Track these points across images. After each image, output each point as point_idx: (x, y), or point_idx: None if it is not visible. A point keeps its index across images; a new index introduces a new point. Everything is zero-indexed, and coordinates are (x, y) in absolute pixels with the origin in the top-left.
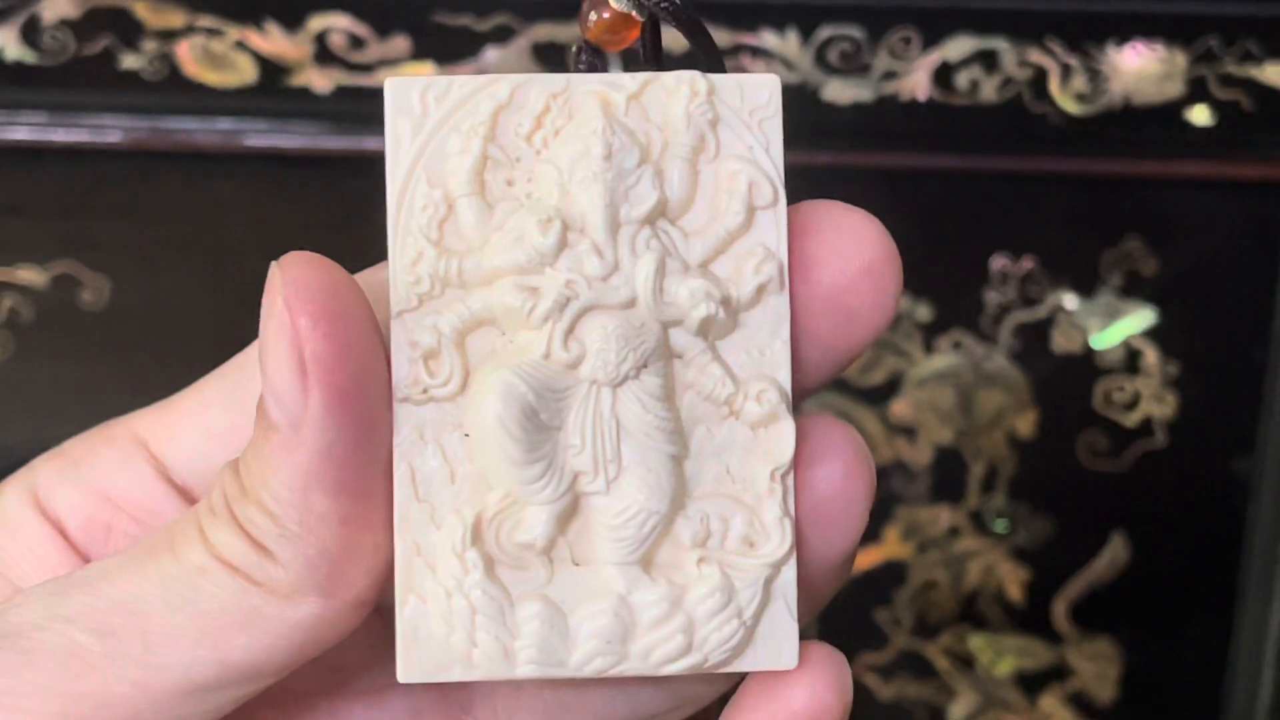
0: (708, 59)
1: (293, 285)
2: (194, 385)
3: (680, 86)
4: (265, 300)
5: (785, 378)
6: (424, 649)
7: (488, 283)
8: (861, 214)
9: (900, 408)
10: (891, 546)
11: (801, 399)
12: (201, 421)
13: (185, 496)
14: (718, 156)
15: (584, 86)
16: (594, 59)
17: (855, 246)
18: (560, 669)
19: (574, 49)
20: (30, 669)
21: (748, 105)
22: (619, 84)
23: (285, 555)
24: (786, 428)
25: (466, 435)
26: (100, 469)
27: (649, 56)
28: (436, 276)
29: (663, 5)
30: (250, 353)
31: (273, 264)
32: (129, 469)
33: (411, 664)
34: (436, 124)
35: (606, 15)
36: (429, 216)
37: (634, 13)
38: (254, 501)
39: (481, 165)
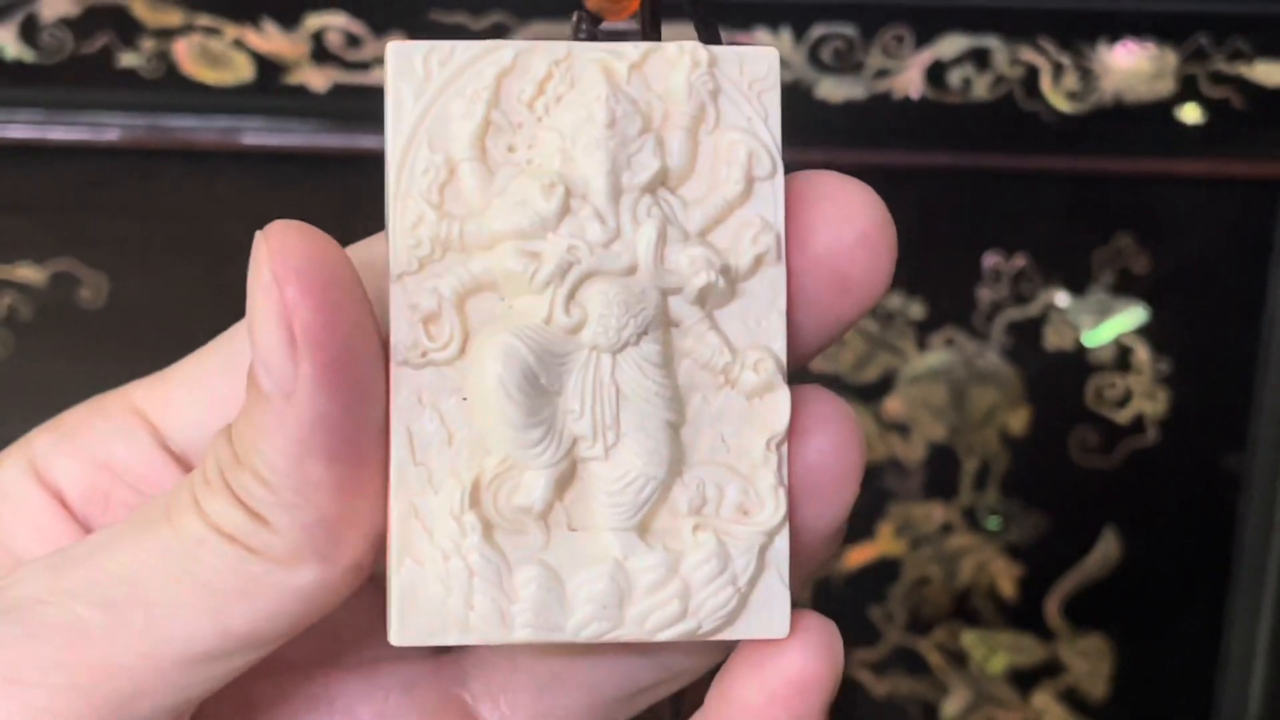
0: (707, 32)
1: (279, 254)
2: (192, 355)
3: (682, 57)
4: (251, 270)
5: (781, 348)
6: (420, 612)
7: (488, 247)
8: (856, 183)
9: (893, 405)
10: (885, 543)
11: (796, 367)
12: (200, 390)
13: (183, 465)
14: (718, 127)
15: (586, 54)
16: (594, 28)
17: (850, 215)
18: (557, 633)
19: (574, 17)
20: (33, 642)
21: (747, 77)
22: (621, 53)
23: (282, 523)
24: (782, 397)
25: (465, 399)
26: (97, 438)
27: (648, 28)
28: (437, 240)
29: None
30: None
31: (257, 233)
32: (127, 438)
33: (407, 627)
34: (439, 88)
35: None
36: (430, 180)
37: None
38: (248, 470)
39: (484, 130)
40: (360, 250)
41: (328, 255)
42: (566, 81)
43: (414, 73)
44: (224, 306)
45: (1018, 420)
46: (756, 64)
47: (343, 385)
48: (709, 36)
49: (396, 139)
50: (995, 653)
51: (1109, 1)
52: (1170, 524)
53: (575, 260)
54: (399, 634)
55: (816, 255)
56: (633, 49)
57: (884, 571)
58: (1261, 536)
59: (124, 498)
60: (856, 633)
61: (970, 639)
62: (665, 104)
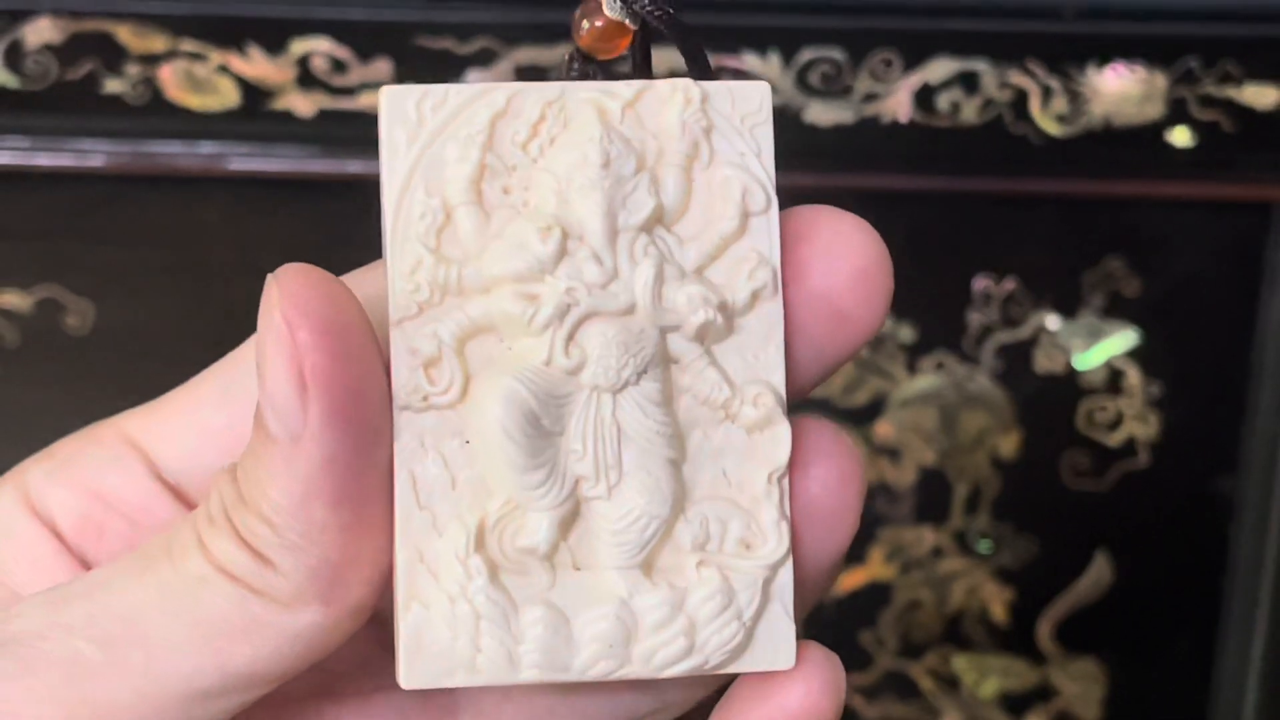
0: (698, 67)
1: (290, 298)
2: (185, 384)
3: (675, 94)
4: (262, 313)
5: (779, 381)
6: (427, 655)
7: (486, 290)
8: (853, 219)
9: (883, 429)
10: (875, 567)
11: (795, 400)
12: (194, 420)
13: (177, 496)
14: (711, 163)
15: (579, 94)
16: (585, 66)
17: (847, 250)
18: (564, 673)
19: (566, 56)
20: (31, 677)
21: (739, 112)
22: (614, 92)
23: (286, 565)
24: (782, 431)
25: (467, 442)
26: (90, 468)
27: (638, 66)
28: (435, 284)
29: (655, 13)
30: (243, 351)
31: (269, 276)
32: (120, 468)
33: (415, 670)
34: (433, 132)
35: (599, 23)
36: (427, 225)
37: (627, 21)
38: (253, 511)
39: (480, 174)
40: (354, 282)
41: (338, 299)
42: (560, 122)
43: (407, 117)
44: (210, 332)
45: (1008, 444)
46: (748, 98)
47: (351, 429)
48: (700, 72)
49: (392, 184)
50: (987, 677)
51: (1098, 24)
52: (1162, 547)
53: (574, 302)
54: (407, 677)
55: (813, 290)
56: (625, 88)
57: (875, 596)
58: (1253, 559)
59: (117, 528)
60: (847, 658)
61: (962, 663)
62: (659, 142)
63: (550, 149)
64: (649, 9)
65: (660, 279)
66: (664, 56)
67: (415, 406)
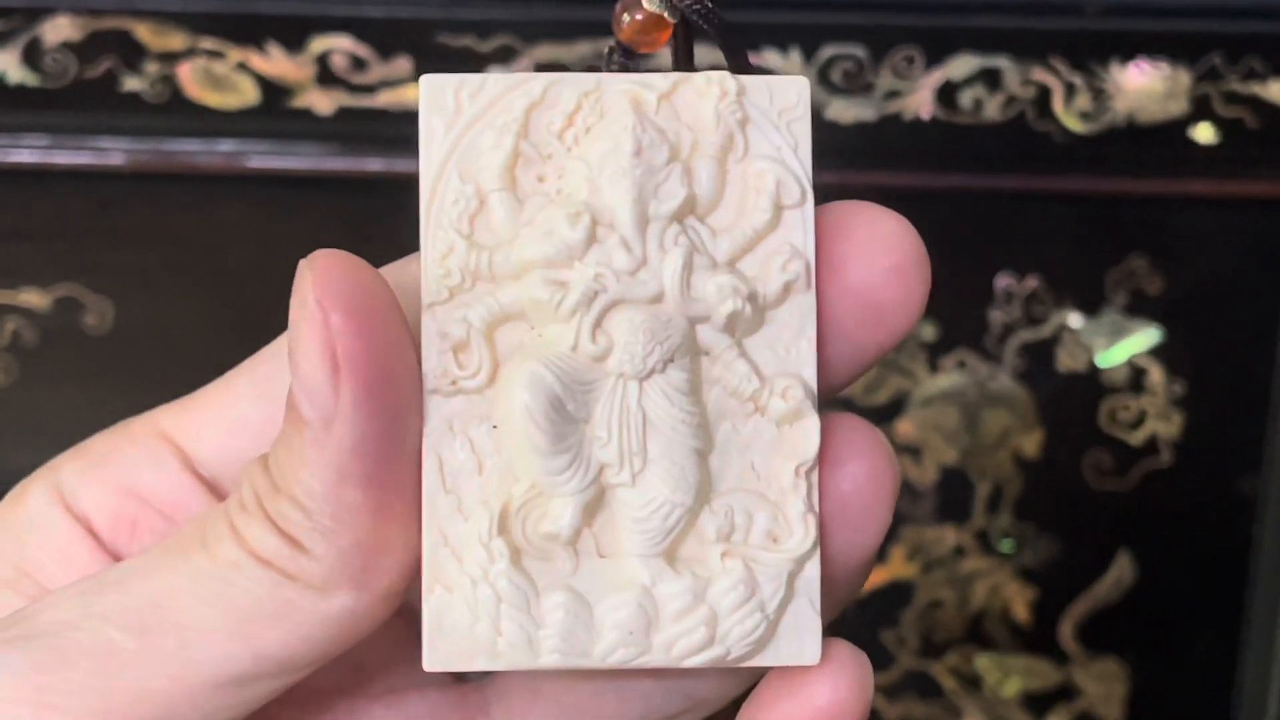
0: (736, 61)
1: (323, 282)
2: (221, 379)
3: (710, 87)
4: (295, 297)
5: (810, 375)
6: (449, 638)
7: (516, 276)
8: (892, 215)
9: (905, 427)
10: (897, 566)
11: (829, 396)
12: (229, 415)
13: (213, 490)
14: (746, 156)
15: (615, 86)
16: (626, 59)
17: (884, 246)
18: (584, 659)
19: (606, 49)
20: (67, 667)
21: (776, 106)
22: (650, 84)
23: (319, 548)
24: (811, 424)
25: (494, 427)
26: (124, 465)
27: (679, 60)
28: (467, 270)
29: (694, 7)
30: (276, 346)
31: (302, 261)
32: (155, 464)
33: (436, 652)
34: (469, 120)
35: (639, 16)
36: (460, 210)
37: (666, 14)
38: (286, 496)
39: (513, 161)
40: (391, 274)
41: (370, 283)
42: (595, 113)
43: (445, 105)
44: (229, 331)
45: (1031, 443)
46: (786, 93)
47: (383, 412)
48: (738, 65)
49: (428, 170)
50: (1009, 677)
51: (1121, 21)
52: (1185, 546)
53: (601, 288)
54: (430, 659)
55: (849, 285)
56: (662, 79)
57: (896, 595)
58: (1276, 558)
59: (152, 524)
60: (869, 656)
61: (984, 663)
62: (694, 134)
63: (585, 138)
64: (687, 2)
65: (689, 268)
66: (705, 54)
67: (444, 390)
